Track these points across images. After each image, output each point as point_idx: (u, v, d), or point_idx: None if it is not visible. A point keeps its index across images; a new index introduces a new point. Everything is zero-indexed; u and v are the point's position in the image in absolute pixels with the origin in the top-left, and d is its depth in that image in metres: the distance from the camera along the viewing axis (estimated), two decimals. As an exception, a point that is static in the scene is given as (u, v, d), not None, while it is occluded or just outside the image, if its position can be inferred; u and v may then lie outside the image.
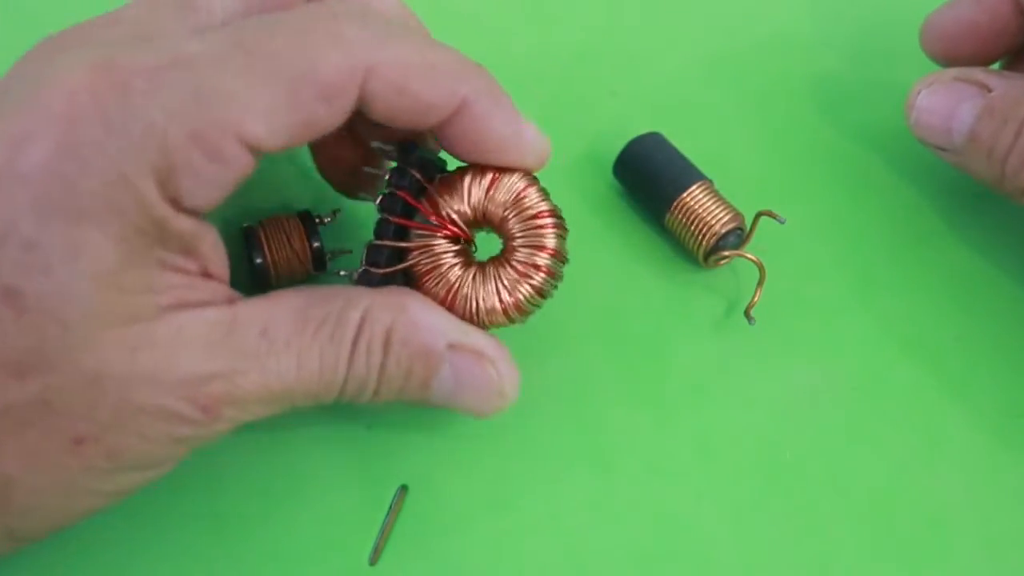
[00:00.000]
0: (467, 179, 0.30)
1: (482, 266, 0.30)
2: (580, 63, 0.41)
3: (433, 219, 0.30)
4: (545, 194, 0.30)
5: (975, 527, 0.33)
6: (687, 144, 0.37)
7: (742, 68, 0.42)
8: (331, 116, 0.27)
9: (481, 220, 0.30)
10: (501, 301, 0.29)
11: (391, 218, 0.30)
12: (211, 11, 0.29)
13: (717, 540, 0.32)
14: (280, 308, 0.27)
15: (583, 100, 0.40)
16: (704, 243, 0.35)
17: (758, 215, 0.36)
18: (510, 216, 0.30)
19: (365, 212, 0.36)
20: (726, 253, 0.35)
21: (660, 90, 0.41)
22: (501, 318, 0.30)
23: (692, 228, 0.35)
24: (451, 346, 0.29)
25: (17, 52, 0.28)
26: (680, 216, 0.35)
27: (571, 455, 0.33)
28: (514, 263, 0.30)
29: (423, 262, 0.30)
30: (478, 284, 0.30)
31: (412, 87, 0.27)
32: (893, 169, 0.37)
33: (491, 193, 0.30)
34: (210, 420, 0.26)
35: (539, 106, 0.40)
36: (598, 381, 0.35)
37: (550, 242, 0.30)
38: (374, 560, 0.31)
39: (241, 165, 0.26)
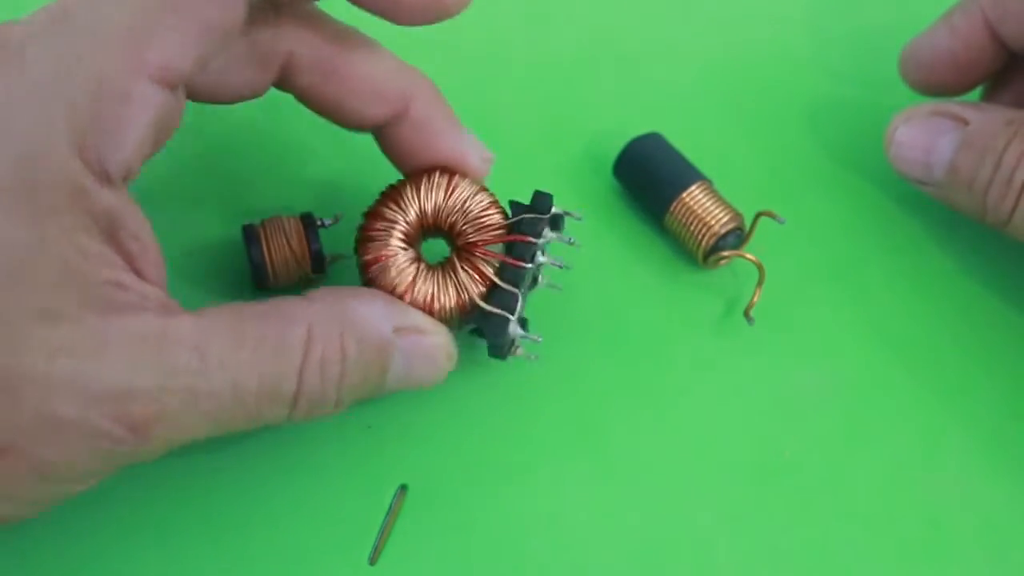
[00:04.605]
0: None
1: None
2: (580, 64, 0.41)
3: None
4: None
5: (972, 527, 0.33)
6: (687, 144, 0.37)
7: (742, 68, 0.42)
8: (225, 12, 0.26)
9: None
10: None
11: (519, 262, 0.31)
12: None
13: (716, 540, 0.32)
14: (213, 325, 0.26)
15: (583, 100, 0.40)
16: (703, 243, 0.35)
17: (758, 215, 0.36)
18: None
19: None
20: (725, 253, 0.35)
21: (660, 91, 0.41)
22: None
23: (691, 228, 0.35)
24: (396, 330, 0.29)
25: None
26: (680, 216, 0.35)
27: (571, 455, 0.33)
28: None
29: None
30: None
31: None
32: (893, 170, 0.37)
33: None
34: (139, 440, 0.25)
35: (539, 106, 0.40)
36: (598, 381, 0.35)
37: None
38: (374, 560, 0.31)
39: (157, 102, 0.25)
